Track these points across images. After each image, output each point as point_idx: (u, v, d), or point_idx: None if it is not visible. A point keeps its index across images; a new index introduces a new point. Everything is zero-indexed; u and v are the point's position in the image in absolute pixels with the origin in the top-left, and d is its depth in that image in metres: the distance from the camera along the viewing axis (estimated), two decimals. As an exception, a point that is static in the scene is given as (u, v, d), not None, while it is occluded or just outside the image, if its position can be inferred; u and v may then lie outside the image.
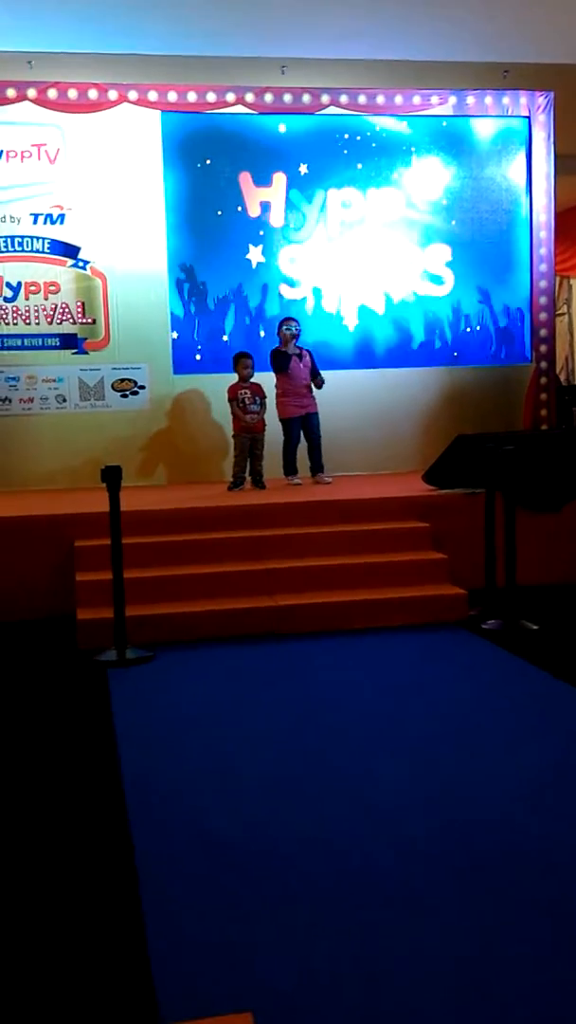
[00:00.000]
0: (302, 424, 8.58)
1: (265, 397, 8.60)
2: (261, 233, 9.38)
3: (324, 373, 8.66)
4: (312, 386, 8.60)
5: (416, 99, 9.47)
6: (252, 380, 8.60)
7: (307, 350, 8.68)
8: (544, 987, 2.56)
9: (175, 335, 9.24)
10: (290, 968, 2.67)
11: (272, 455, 8.60)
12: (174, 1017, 2.45)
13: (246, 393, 8.54)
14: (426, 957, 2.70)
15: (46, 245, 8.98)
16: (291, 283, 9.47)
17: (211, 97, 9.09)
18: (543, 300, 9.92)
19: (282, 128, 9.33)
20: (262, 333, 9.37)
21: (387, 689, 5.21)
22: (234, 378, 8.66)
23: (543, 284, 9.91)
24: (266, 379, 8.70)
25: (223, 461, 9.04)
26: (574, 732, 4.50)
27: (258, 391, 8.58)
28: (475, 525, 6.85)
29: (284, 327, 8.59)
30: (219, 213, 9.31)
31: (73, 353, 9.07)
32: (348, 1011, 2.49)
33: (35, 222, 8.96)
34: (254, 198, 9.35)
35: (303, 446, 8.64)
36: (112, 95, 8.92)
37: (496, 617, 6.39)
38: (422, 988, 2.57)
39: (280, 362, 8.51)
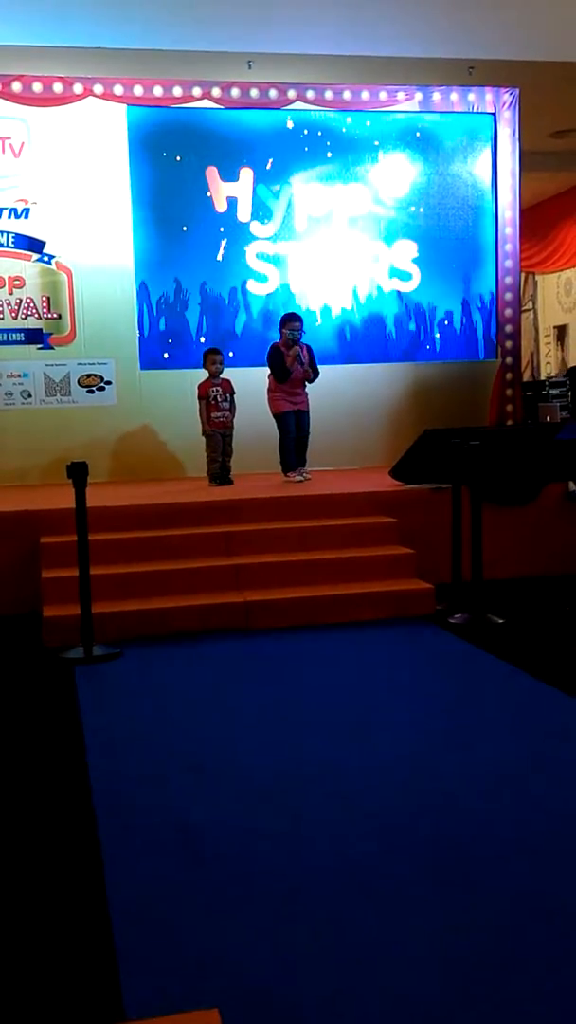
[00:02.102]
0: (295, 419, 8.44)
1: (234, 393, 8.57)
2: (227, 229, 9.35)
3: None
4: (305, 384, 8.43)
5: (383, 95, 9.49)
6: (222, 376, 8.57)
7: (306, 345, 8.43)
8: (521, 977, 2.58)
9: (140, 332, 9.20)
10: (259, 964, 2.67)
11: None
12: (139, 1014, 2.45)
13: (217, 391, 8.49)
14: (400, 951, 2.72)
15: (11, 239, 8.90)
16: (259, 278, 9.46)
17: (177, 91, 9.06)
18: (508, 296, 9.98)
19: (251, 124, 9.31)
20: (237, 334, 9.37)
21: (355, 683, 5.23)
22: (202, 374, 8.63)
23: (508, 280, 9.97)
24: (247, 374, 8.69)
25: (191, 457, 9.02)
26: (540, 724, 4.54)
27: (228, 388, 8.54)
28: (442, 520, 6.88)
29: (288, 329, 8.27)
30: (185, 208, 9.27)
31: (38, 348, 9.01)
32: (318, 1008, 2.50)
33: (-1, 216, 8.89)
34: (221, 193, 9.33)
35: None
36: (77, 88, 8.86)
37: (463, 611, 6.43)
38: (396, 983, 2.58)
39: (279, 374, 8.28)
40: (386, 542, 7.04)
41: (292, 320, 8.38)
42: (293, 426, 8.42)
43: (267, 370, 8.55)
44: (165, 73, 9.02)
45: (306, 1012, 2.48)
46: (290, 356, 8.25)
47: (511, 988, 2.53)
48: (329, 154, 9.52)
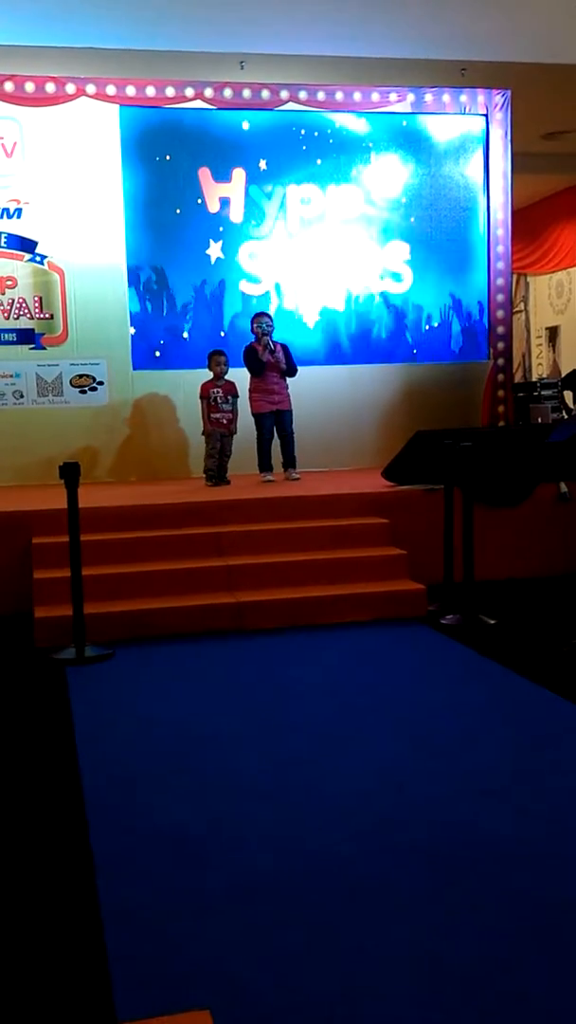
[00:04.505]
0: (275, 420, 8.53)
1: (237, 396, 8.58)
2: (221, 229, 9.35)
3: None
4: (286, 382, 8.53)
5: (375, 96, 9.51)
6: (226, 378, 8.58)
7: (282, 344, 8.58)
8: (516, 979, 2.58)
9: (134, 331, 9.20)
10: (250, 964, 2.68)
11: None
12: (131, 1015, 2.45)
13: (217, 392, 8.52)
14: (389, 952, 2.72)
15: (3, 239, 8.89)
16: (251, 279, 9.46)
17: (170, 92, 9.06)
18: (500, 297, 10.00)
19: (244, 125, 9.31)
20: (223, 333, 9.37)
21: (347, 684, 5.24)
22: (203, 374, 8.65)
23: (500, 281, 9.99)
24: (240, 375, 8.69)
25: (183, 457, 9.03)
26: (532, 726, 4.55)
27: (231, 389, 8.57)
28: (434, 521, 6.90)
29: (256, 324, 8.50)
30: (178, 209, 9.27)
31: (30, 348, 8.99)
32: (309, 1008, 2.50)
33: (-9, 216, 8.88)
34: (213, 193, 9.33)
35: (276, 443, 8.61)
36: (70, 89, 8.85)
37: (455, 612, 6.44)
38: (386, 983, 2.58)
39: (254, 366, 8.44)
40: (378, 543, 7.04)
41: (261, 316, 8.59)
42: (270, 427, 8.50)
43: (254, 371, 8.61)
44: (158, 73, 9.02)
45: (298, 1014, 2.48)
46: (260, 346, 8.36)
47: (506, 991, 2.53)
48: (321, 155, 9.53)
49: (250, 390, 8.56)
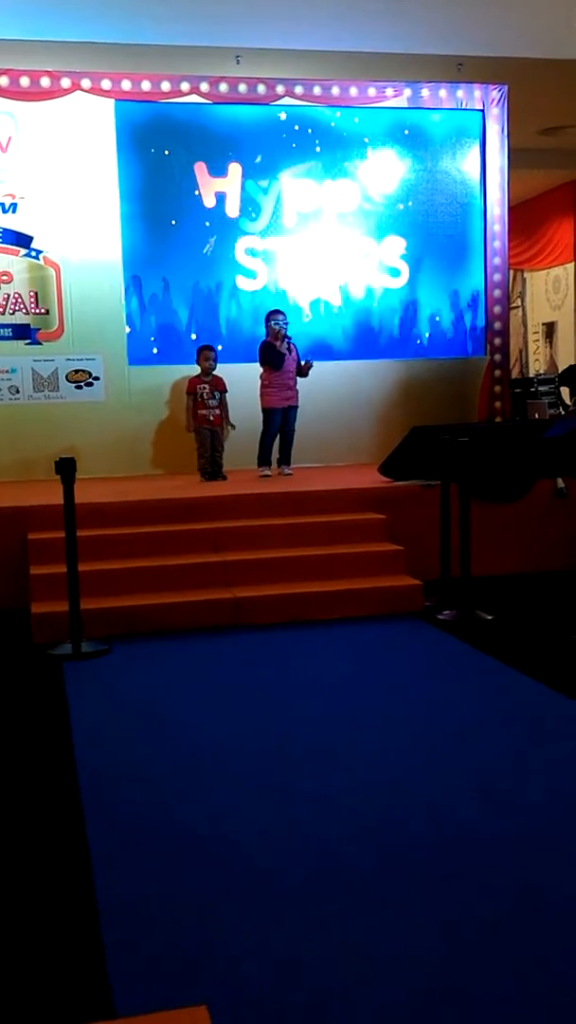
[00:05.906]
0: (282, 416, 8.55)
1: (225, 391, 8.56)
2: (212, 224, 9.32)
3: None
4: (296, 379, 8.57)
5: (371, 91, 9.48)
6: (214, 373, 8.57)
7: (293, 344, 8.63)
8: (513, 975, 2.58)
9: (129, 327, 9.17)
10: (248, 961, 2.67)
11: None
12: (128, 1011, 2.44)
13: (204, 388, 8.50)
14: (389, 949, 2.72)
15: (-2, 234, 8.86)
16: (248, 274, 9.44)
17: (165, 86, 9.02)
18: (497, 293, 9.98)
19: (240, 119, 9.28)
20: (223, 329, 9.36)
21: (344, 680, 5.23)
22: (193, 370, 8.62)
23: (497, 277, 9.97)
24: (236, 370, 8.68)
25: (179, 453, 9.00)
26: (529, 720, 4.55)
27: (218, 385, 8.54)
28: (430, 517, 6.89)
29: (272, 321, 8.50)
30: (174, 203, 9.24)
31: (26, 344, 8.96)
32: (307, 1004, 2.49)
33: (-14, 211, 8.84)
34: (209, 188, 9.30)
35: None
36: (65, 83, 8.81)
37: (451, 608, 6.44)
38: (385, 981, 2.58)
39: (274, 360, 8.45)
40: (375, 538, 7.04)
41: (277, 313, 8.58)
42: (277, 423, 8.51)
43: (256, 366, 8.58)
44: (153, 68, 8.99)
45: (297, 1012, 2.47)
46: (276, 341, 8.40)
47: (503, 986, 2.53)
48: (318, 150, 9.50)
49: (264, 384, 8.55)
